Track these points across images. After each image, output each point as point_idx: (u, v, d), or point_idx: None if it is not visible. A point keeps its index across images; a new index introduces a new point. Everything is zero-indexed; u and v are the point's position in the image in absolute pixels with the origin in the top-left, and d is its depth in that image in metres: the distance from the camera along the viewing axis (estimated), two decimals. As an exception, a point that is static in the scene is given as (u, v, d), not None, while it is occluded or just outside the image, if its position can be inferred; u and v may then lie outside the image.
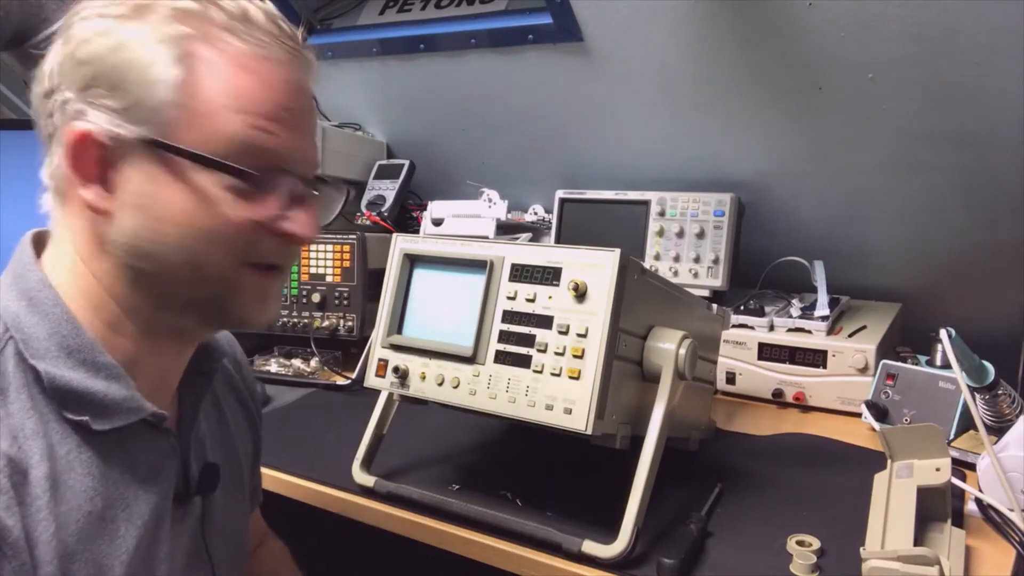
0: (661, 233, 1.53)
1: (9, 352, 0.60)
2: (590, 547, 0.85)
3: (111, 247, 0.63)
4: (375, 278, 1.50)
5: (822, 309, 1.40)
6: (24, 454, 0.58)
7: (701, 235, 1.50)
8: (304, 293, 1.58)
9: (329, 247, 1.58)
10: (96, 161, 0.61)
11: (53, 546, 0.58)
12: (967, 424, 1.16)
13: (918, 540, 0.82)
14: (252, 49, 0.63)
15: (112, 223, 0.62)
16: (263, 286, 0.68)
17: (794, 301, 1.46)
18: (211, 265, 0.64)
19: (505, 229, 1.73)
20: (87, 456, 0.61)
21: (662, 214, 1.54)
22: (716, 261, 1.48)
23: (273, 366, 1.59)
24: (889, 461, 0.93)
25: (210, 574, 0.75)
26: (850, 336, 1.36)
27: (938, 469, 0.87)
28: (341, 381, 1.50)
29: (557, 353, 0.87)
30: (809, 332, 1.38)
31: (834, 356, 1.33)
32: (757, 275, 1.54)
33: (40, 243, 0.68)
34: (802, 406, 1.37)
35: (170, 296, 0.65)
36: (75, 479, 0.60)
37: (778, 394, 1.38)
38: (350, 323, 1.56)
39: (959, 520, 0.93)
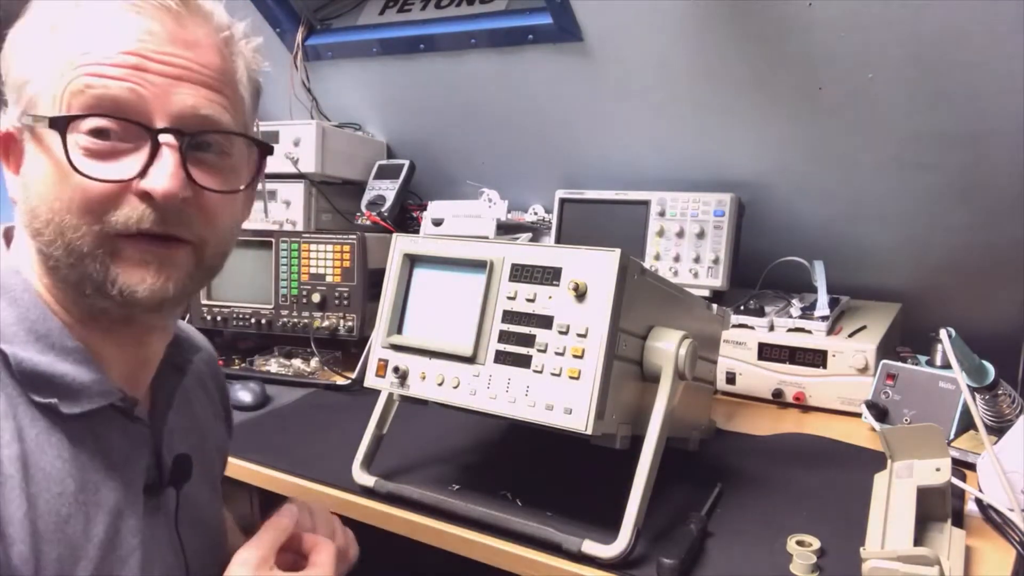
0: (661, 233, 1.53)
1: None
2: (590, 547, 0.85)
3: (28, 237, 0.64)
4: (375, 278, 1.50)
5: (822, 309, 1.40)
6: None
7: (701, 235, 1.50)
8: (304, 293, 1.58)
9: (329, 247, 1.58)
10: (13, 155, 0.64)
11: (25, 526, 0.57)
12: (967, 424, 1.16)
13: (918, 540, 0.82)
14: (107, 4, 0.61)
15: (21, 212, 0.64)
16: (140, 254, 0.62)
17: (794, 301, 1.46)
18: (78, 236, 0.60)
19: (505, 229, 1.73)
20: (56, 439, 0.61)
21: (662, 214, 1.54)
22: (716, 261, 1.48)
23: (273, 366, 1.59)
24: (889, 461, 0.93)
25: (183, 566, 0.74)
26: (850, 336, 1.36)
27: (938, 469, 0.87)
28: (341, 381, 1.50)
29: (557, 353, 0.87)
30: (809, 332, 1.38)
31: (834, 356, 1.33)
32: (757, 275, 1.54)
33: (9, 235, 0.69)
34: (802, 406, 1.37)
35: (62, 275, 0.63)
36: (46, 461, 0.60)
37: (778, 394, 1.38)
38: (350, 323, 1.56)
39: (959, 520, 0.93)
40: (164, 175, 0.60)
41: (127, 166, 0.60)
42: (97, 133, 0.60)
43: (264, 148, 0.72)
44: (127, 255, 0.61)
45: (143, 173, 0.60)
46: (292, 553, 0.76)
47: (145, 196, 0.60)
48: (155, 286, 0.62)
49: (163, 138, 0.61)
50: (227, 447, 0.92)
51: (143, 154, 0.60)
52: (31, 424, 0.60)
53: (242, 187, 0.69)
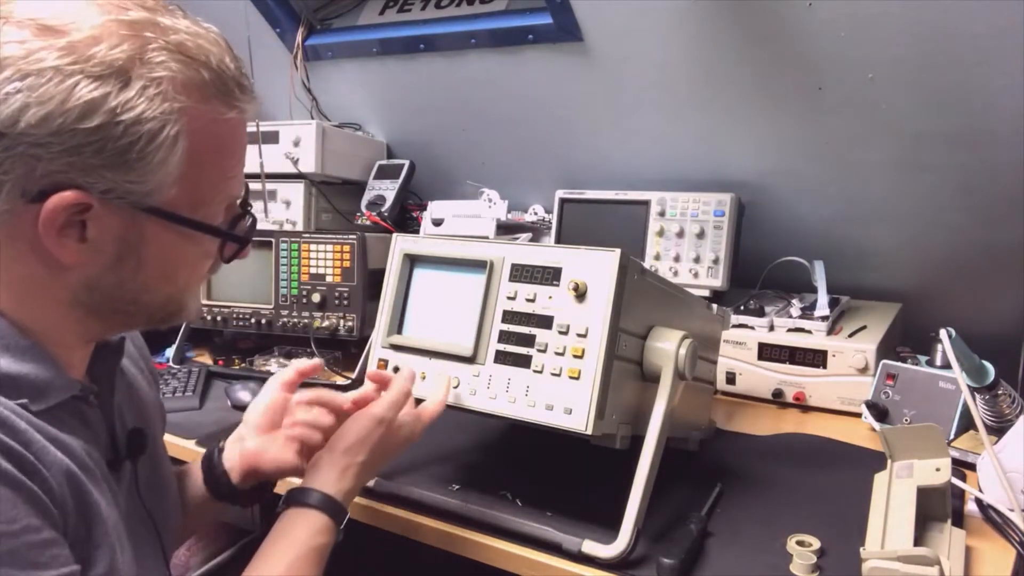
0: (661, 233, 1.53)
1: None
2: (590, 547, 0.85)
3: (71, 288, 0.66)
4: (375, 278, 1.50)
5: (822, 309, 1.40)
6: None
7: (701, 235, 1.50)
8: (304, 293, 1.58)
9: (329, 247, 1.58)
10: (72, 219, 0.62)
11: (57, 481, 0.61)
12: (967, 424, 1.16)
13: (918, 540, 0.82)
14: (234, 115, 0.68)
15: (78, 271, 0.65)
16: (199, 288, 0.77)
17: (794, 301, 1.46)
18: (186, 296, 0.73)
19: (505, 229, 1.73)
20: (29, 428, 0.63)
21: (662, 214, 1.54)
22: (716, 261, 1.48)
23: (273, 366, 1.59)
24: (889, 461, 0.93)
25: (153, 531, 0.78)
26: (850, 336, 1.36)
27: (938, 469, 0.87)
28: (341, 381, 1.50)
29: (557, 353, 0.87)
30: (809, 332, 1.38)
31: (834, 356, 1.33)
32: (757, 275, 1.54)
33: None
34: (802, 406, 1.37)
35: (135, 323, 0.74)
36: (41, 449, 0.61)
37: (778, 394, 1.38)
38: (350, 323, 1.56)
39: (959, 520, 0.93)
40: (249, 243, 0.76)
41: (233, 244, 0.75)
42: (233, 238, 0.74)
43: None
44: (197, 291, 0.76)
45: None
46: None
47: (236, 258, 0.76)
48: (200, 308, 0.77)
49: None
50: (162, 405, 0.95)
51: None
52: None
53: None
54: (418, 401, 0.99)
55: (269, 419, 0.93)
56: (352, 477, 0.84)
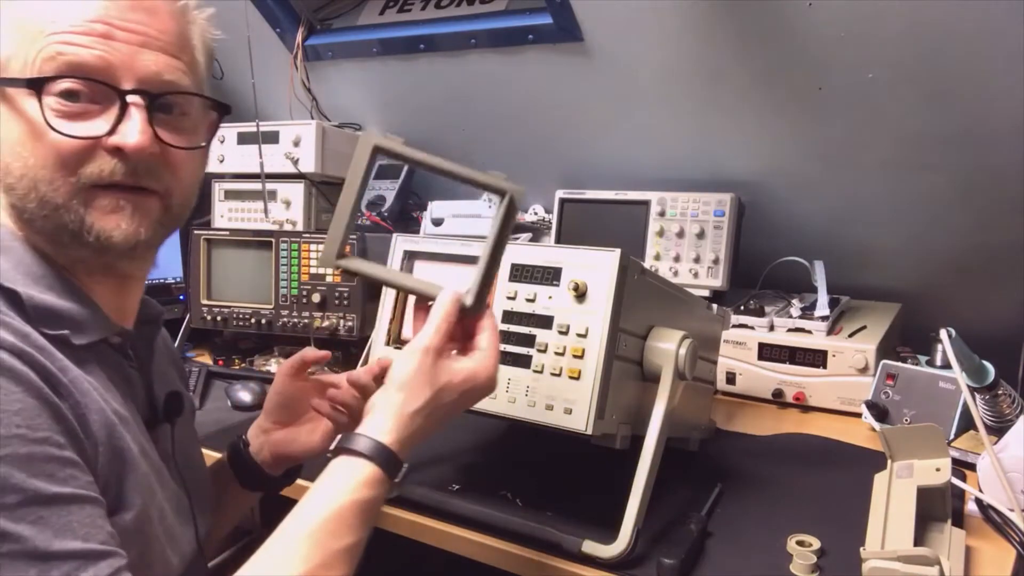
0: (661, 233, 1.53)
1: None
2: (590, 547, 0.85)
3: None
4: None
5: (822, 309, 1.40)
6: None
7: (701, 235, 1.50)
8: (304, 293, 1.58)
9: (329, 247, 1.57)
10: None
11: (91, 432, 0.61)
12: (967, 424, 1.16)
13: (918, 540, 0.82)
14: None
15: None
16: (114, 201, 0.67)
17: (794, 301, 1.46)
18: (52, 189, 0.65)
19: (505, 229, 1.73)
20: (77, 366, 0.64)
21: (662, 214, 1.54)
22: (716, 261, 1.48)
23: (273, 366, 1.60)
24: (889, 461, 0.93)
25: (185, 495, 0.77)
26: (850, 336, 1.36)
27: (938, 469, 0.87)
28: (341, 381, 1.50)
29: (557, 353, 0.87)
30: (809, 332, 1.38)
31: (834, 356, 1.33)
32: (757, 275, 1.54)
33: None
34: (802, 406, 1.37)
35: (37, 227, 0.67)
36: (78, 379, 0.62)
37: (778, 394, 1.38)
38: (350, 323, 1.56)
39: (959, 520, 0.93)
40: (135, 131, 0.65)
41: (98, 125, 0.65)
42: (68, 95, 0.64)
43: (222, 108, 0.75)
44: (101, 204, 0.66)
45: (113, 130, 0.65)
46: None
47: (116, 151, 0.65)
48: (128, 230, 0.67)
49: (131, 99, 0.66)
50: (192, 399, 0.96)
51: (112, 114, 0.65)
52: (52, 354, 0.62)
53: (202, 144, 0.74)
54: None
55: (288, 410, 0.92)
56: (408, 420, 0.71)
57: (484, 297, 0.76)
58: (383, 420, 0.70)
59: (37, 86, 0.63)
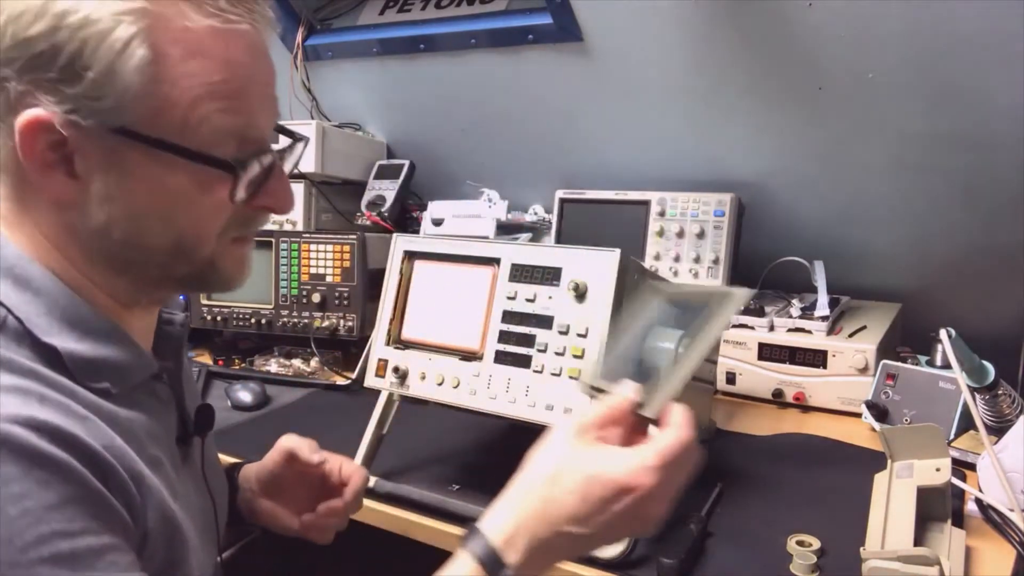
0: (661, 233, 1.53)
1: (12, 332, 0.58)
2: (590, 547, 0.85)
3: (84, 236, 0.62)
4: (375, 278, 1.50)
5: (822, 309, 1.40)
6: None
7: (701, 235, 1.50)
8: (304, 293, 1.58)
9: (329, 247, 1.58)
10: (54, 149, 0.58)
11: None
12: (967, 424, 1.16)
13: (918, 540, 0.82)
14: (217, 24, 0.58)
15: (82, 213, 0.60)
16: (243, 253, 0.69)
17: (794, 301, 1.46)
18: (197, 247, 0.64)
19: (505, 229, 1.73)
20: (109, 419, 0.61)
21: (662, 214, 1.54)
22: (716, 261, 1.48)
23: (273, 366, 1.59)
24: (889, 461, 0.93)
25: (212, 509, 0.77)
26: (850, 336, 1.36)
27: (938, 469, 0.87)
28: (341, 381, 1.50)
29: (557, 353, 0.87)
30: (809, 332, 1.38)
31: (834, 356, 1.33)
32: (757, 275, 1.54)
33: None
34: (802, 406, 1.37)
35: (154, 277, 0.65)
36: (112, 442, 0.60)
37: (778, 394, 1.38)
38: (350, 323, 1.56)
39: (959, 520, 0.93)
40: (284, 193, 0.67)
41: (247, 186, 0.64)
42: (223, 165, 0.62)
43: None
44: (238, 254, 0.68)
45: (261, 192, 0.65)
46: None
47: (264, 210, 0.67)
48: (247, 275, 0.70)
49: (274, 154, 0.66)
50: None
51: (258, 173, 0.65)
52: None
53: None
54: (416, 401, 1.00)
55: (278, 487, 0.91)
56: (546, 551, 0.61)
57: (664, 403, 0.63)
58: (519, 535, 0.62)
59: (217, 163, 0.61)
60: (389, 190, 1.82)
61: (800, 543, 0.87)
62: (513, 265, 0.92)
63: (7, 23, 0.55)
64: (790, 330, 1.40)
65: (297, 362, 1.59)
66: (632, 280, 0.87)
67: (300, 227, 1.75)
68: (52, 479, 0.52)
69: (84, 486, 0.54)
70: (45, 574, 0.50)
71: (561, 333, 0.87)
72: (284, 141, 0.70)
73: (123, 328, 0.65)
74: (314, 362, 1.58)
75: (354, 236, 1.57)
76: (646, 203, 1.56)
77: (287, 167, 0.69)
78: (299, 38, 1.85)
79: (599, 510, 0.60)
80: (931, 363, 1.28)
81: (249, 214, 0.66)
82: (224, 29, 0.59)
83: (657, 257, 1.53)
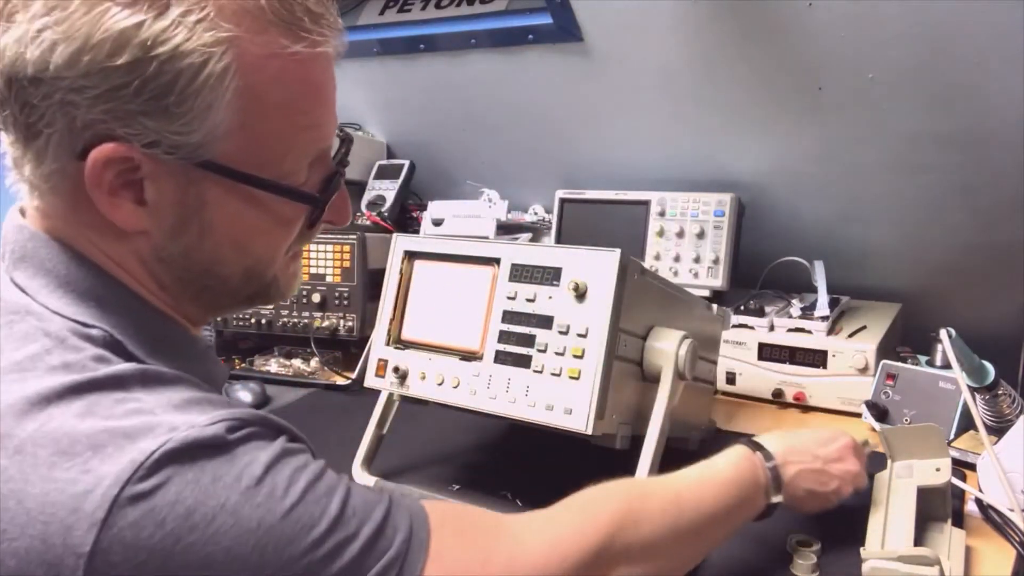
0: (661, 233, 1.53)
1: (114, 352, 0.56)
2: (590, 547, 0.85)
3: (149, 261, 0.60)
4: (375, 278, 1.50)
5: (822, 309, 1.40)
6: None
7: (701, 235, 1.50)
8: (304, 293, 1.58)
9: (329, 247, 1.58)
10: (124, 177, 0.55)
11: None
12: (967, 424, 1.16)
13: (918, 540, 0.82)
14: (303, 49, 0.56)
15: (150, 240, 0.58)
16: (298, 266, 0.70)
17: (794, 301, 1.46)
18: (268, 269, 0.64)
19: (505, 229, 1.73)
20: None
21: (662, 214, 1.54)
22: (716, 261, 1.48)
23: (273, 366, 1.59)
24: (889, 461, 0.93)
25: None
26: (850, 336, 1.36)
27: (938, 469, 0.87)
28: (341, 381, 1.50)
29: (557, 353, 0.87)
30: (809, 332, 1.37)
31: (834, 356, 1.33)
32: (757, 275, 1.54)
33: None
34: (802, 406, 1.37)
35: (224, 301, 0.66)
36: None
37: (778, 394, 1.38)
38: (350, 323, 1.56)
39: (959, 520, 0.93)
40: (345, 206, 0.68)
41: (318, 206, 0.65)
42: (311, 199, 0.63)
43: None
44: (294, 268, 0.69)
45: (328, 209, 0.66)
46: None
47: (328, 224, 0.67)
48: (298, 285, 0.72)
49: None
50: None
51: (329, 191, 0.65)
52: None
53: None
54: (416, 401, 1.00)
55: None
56: (793, 460, 0.82)
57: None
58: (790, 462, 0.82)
59: (304, 198, 0.62)
60: (389, 190, 1.82)
61: (800, 543, 0.87)
62: (513, 265, 0.92)
63: (81, 50, 0.50)
64: (790, 330, 1.40)
65: (297, 362, 1.59)
66: (632, 280, 0.87)
67: (300, 227, 1.75)
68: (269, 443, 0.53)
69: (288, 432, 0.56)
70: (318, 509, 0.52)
71: (561, 333, 0.87)
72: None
73: (192, 335, 0.66)
74: (314, 362, 1.58)
75: (354, 236, 1.57)
76: (646, 203, 1.56)
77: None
78: (299, 38, 1.85)
79: (823, 442, 0.86)
80: (931, 363, 1.28)
81: (312, 231, 0.66)
82: (310, 55, 0.57)
83: (657, 257, 1.53)
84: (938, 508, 0.88)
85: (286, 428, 0.57)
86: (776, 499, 0.79)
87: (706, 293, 1.47)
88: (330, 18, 0.58)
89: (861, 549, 0.80)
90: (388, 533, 0.54)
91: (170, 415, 0.51)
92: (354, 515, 0.53)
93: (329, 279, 1.57)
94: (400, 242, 1.03)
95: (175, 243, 0.59)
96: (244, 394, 1.39)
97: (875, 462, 0.92)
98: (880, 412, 1.22)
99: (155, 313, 0.61)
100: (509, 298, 0.91)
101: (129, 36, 0.50)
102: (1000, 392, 1.12)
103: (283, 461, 0.53)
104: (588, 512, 0.65)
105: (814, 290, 1.44)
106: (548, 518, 0.64)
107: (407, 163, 1.86)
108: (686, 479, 0.76)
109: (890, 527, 0.83)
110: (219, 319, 1.64)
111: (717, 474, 0.77)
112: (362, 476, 1.04)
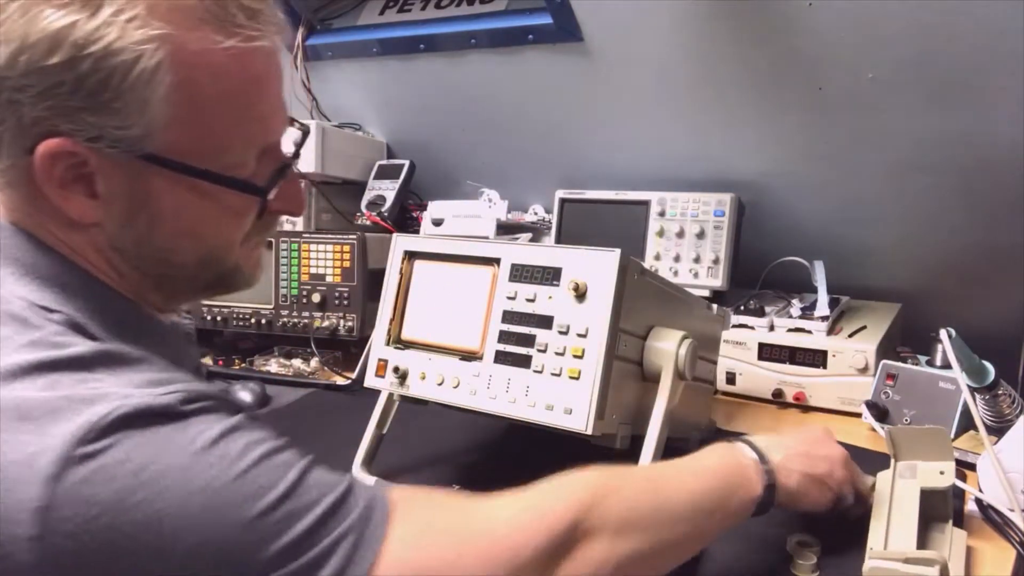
0: (661, 233, 1.53)
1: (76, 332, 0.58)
2: (590, 547, 0.84)
3: (106, 250, 0.62)
4: (375, 278, 1.50)
5: (822, 309, 1.40)
6: None
7: (701, 235, 1.50)
8: (304, 293, 1.58)
9: (329, 247, 1.58)
10: (72, 170, 0.57)
11: None
12: (967, 424, 1.16)
13: (920, 541, 0.82)
14: (238, 43, 0.58)
15: (106, 232, 0.61)
16: (260, 254, 0.72)
17: (794, 301, 1.46)
18: (223, 257, 0.66)
19: (505, 229, 1.73)
20: None
21: (662, 214, 1.54)
22: (716, 261, 1.48)
23: (273, 366, 1.59)
24: (893, 460, 0.93)
25: None
26: (850, 336, 1.36)
27: (942, 472, 0.87)
28: (341, 381, 1.50)
29: (557, 353, 0.87)
30: (809, 332, 1.37)
31: (834, 356, 1.33)
32: (757, 275, 1.54)
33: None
34: (802, 406, 1.37)
35: (182, 287, 0.68)
36: None
37: (778, 394, 1.38)
38: (350, 323, 1.56)
39: (959, 520, 0.93)
40: (298, 195, 0.71)
41: (269, 196, 0.67)
42: (253, 189, 0.65)
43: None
44: (256, 256, 0.71)
45: (279, 198, 0.68)
46: None
47: (282, 213, 0.70)
48: (262, 274, 0.73)
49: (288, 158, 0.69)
50: None
51: (279, 182, 0.68)
52: None
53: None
54: (416, 401, 1.00)
55: None
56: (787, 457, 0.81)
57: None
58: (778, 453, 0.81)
59: (246, 187, 0.64)
60: (389, 190, 1.82)
61: (800, 543, 0.87)
62: (513, 265, 0.92)
63: (19, 51, 0.53)
64: (790, 330, 1.39)
65: (297, 362, 1.59)
66: (632, 280, 0.87)
67: (300, 227, 1.75)
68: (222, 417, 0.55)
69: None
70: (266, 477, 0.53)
71: (561, 333, 0.87)
72: (290, 141, 0.71)
73: (169, 327, 0.68)
74: (314, 362, 1.58)
75: (354, 236, 1.57)
76: (646, 203, 1.55)
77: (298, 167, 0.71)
78: (299, 38, 1.85)
79: (812, 440, 0.88)
80: (931, 363, 1.28)
81: (268, 220, 0.69)
82: (245, 49, 0.59)
83: (657, 257, 1.53)
84: (940, 509, 0.88)
85: (248, 414, 0.58)
86: (769, 478, 0.77)
87: (706, 293, 1.47)
88: (267, 13, 0.61)
89: (868, 549, 0.79)
90: (345, 510, 0.55)
91: (129, 390, 0.53)
92: (311, 489, 0.54)
93: (329, 279, 1.57)
94: (400, 242, 1.03)
95: (127, 233, 0.61)
96: (244, 394, 1.39)
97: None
98: (880, 412, 1.22)
99: (117, 296, 0.63)
100: (509, 298, 0.91)
101: (63, 35, 0.52)
102: (1000, 392, 1.12)
103: (239, 432, 0.54)
104: (563, 486, 0.66)
105: (814, 290, 1.44)
106: (518, 495, 0.64)
107: (407, 163, 1.86)
108: (666, 464, 0.77)
109: (893, 528, 0.83)
110: (219, 319, 1.64)
111: (697, 462, 0.77)
112: (362, 476, 1.04)
